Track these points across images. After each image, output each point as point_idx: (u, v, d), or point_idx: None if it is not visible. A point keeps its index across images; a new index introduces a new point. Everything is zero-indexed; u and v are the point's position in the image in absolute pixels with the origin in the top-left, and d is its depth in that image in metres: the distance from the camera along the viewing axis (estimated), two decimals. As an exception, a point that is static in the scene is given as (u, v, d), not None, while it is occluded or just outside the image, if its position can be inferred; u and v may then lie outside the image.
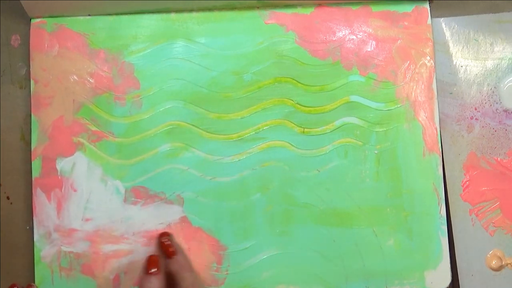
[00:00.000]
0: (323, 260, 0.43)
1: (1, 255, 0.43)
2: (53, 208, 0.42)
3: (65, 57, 0.43)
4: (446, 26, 0.44)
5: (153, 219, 0.43)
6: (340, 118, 0.43)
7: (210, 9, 0.44)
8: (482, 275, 0.43)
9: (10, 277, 0.43)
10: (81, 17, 0.44)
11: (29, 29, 0.44)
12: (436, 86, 0.43)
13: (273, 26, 0.44)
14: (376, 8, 0.44)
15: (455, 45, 0.44)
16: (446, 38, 0.44)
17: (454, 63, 0.44)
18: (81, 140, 0.43)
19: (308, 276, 0.42)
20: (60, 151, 0.43)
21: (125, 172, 0.43)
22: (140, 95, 0.43)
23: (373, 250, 0.43)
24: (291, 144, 0.43)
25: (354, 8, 0.44)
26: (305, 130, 0.43)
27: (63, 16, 0.44)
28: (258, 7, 0.44)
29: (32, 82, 0.43)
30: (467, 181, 0.43)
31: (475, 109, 0.44)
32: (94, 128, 0.43)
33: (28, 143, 0.43)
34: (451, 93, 0.44)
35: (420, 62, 0.43)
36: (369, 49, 0.44)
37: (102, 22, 0.44)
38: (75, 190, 0.43)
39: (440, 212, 0.43)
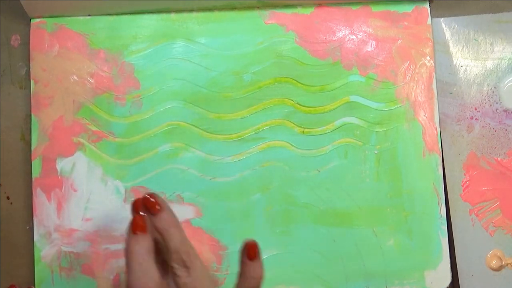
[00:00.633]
0: (323, 260, 0.43)
1: (1, 255, 0.43)
2: (53, 208, 0.42)
3: (65, 57, 0.43)
4: (446, 26, 0.44)
5: (153, 219, 0.43)
6: (340, 118, 0.43)
7: (210, 9, 0.44)
8: (482, 275, 0.43)
9: (10, 277, 0.43)
10: (81, 17, 0.44)
11: (29, 29, 0.44)
12: (436, 86, 0.43)
13: (273, 26, 0.44)
14: (376, 8, 0.44)
15: (455, 45, 0.44)
16: (446, 38, 0.44)
17: (454, 63, 0.44)
18: (81, 140, 0.43)
19: (308, 276, 0.42)
20: (60, 151, 0.43)
21: (125, 172, 0.43)
22: (140, 95, 0.43)
23: (373, 250, 0.43)
24: (291, 144, 0.43)
25: (354, 8, 0.44)
26: (305, 130, 0.43)
27: (63, 16, 0.44)
28: (258, 7, 0.44)
29: (32, 82, 0.43)
30: (467, 181, 0.43)
31: (475, 109, 0.44)
32: (94, 128, 0.43)
33: (28, 143, 0.43)
34: (451, 93, 0.44)
35: (420, 62, 0.43)
36: (369, 49, 0.44)
37: (102, 22, 0.44)
38: (75, 190, 0.43)
39: (440, 212, 0.43)
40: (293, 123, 0.43)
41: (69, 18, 0.44)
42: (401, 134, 0.43)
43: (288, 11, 0.44)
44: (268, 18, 0.44)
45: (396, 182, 0.43)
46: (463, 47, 0.44)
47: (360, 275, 0.42)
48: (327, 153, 0.43)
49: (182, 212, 0.43)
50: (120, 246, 0.42)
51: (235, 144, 0.43)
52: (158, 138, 0.43)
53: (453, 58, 0.44)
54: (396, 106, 0.43)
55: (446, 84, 0.44)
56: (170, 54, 0.44)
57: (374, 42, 0.44)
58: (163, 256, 0.33)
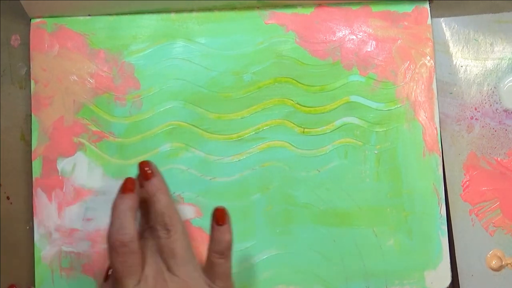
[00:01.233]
0: (323, 260, 0.43)
1: (1, 256, 0.43)
2: (53, 208, 0.43)
3: (65, 57, 0.43)
4: (446, 26, 0.44)
5: (153, 219, 0.43)
6: (340, 118, 0.43)
7: (210, 9, 0.44)
8: (482, 275, 0.43)
9: (10, 278, 0.43)
10: (81, 17, 0.44)
11: (29, 29, 0.44)
12: (436, 86, 0.43)
13: (273, 26, 0.44)
14: (376, 8, 0.44)
15: (455, 45, 0.44)
16: (446, 38, 0.44)
17: (454, 63, 0.44)
18: (82, 140, 0.43)
19: (308, 276, 0.42)
20: (60, 151, 0.43)
21: (125, 172, 0.43)
22: (140, 95, 0.43)
23: (373, 250, 0.43)
24: (291, 144, 0.43)
25: (354, 8, 0.44)
26: (305, 130, 0.43)
27: (63, 16, 0.44)
28: (258, 7, 0.44)
29: (32, 82, 0.43)
30: (467, 181, 0.43)
31: (475, 109, 0.44)
32: (94, 128, 0.43)
33: (28, 143, 0.43)
34: (451, 93, 0.44)
35: (420, 62, 0.43)
36: (369, 49, 0.44)
37: (102, 22, 0.44)
38: (76, 190, 0.43)
39: (440, 212, 0.43)
40: (293, 123, 0.43)
41: (69, 18, 0.44)
42: (401, 134, 0.43)
43: (288, 11, 0.44)
44: (268, 18, 0.44)
45: (396, 182, 0.43)
46: (463, 47, 0.44)
47: (360, 275, 0.42)
48: (327, 153, 0.43)
49: (182, 212, 0.43)
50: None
51: (235, 144, 0.43)
52: (158, 138, 0.43)
53: (453, 58, 0.44)
54: (396, 106, 0.43)
55: (446, 84, 0.44)
56: (170, 54, 0.44)
57: (374, 42, 0.44)
58: (149, 222, 0.37)
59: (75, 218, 0.43)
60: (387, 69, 0.44)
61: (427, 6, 0.44)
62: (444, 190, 0.43)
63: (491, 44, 0.44)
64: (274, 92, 0.43)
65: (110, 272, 0.37)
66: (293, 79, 0.43)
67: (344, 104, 0.43)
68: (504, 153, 0.44)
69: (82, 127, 0.43)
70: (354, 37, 0.44)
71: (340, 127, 0.43)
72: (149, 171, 0.37)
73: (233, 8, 0.44)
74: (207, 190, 0.43)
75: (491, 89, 0.44)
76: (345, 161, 0.43)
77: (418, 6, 0.44)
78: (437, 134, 0.43)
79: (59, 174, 0.43)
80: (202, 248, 0.43)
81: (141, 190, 0.37)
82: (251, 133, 0.43)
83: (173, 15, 0.44)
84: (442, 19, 0.44)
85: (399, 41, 0.44)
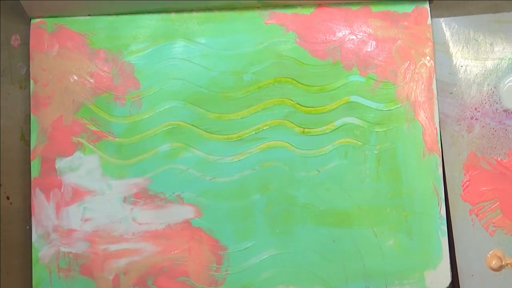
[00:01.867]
0: (323, 260, 0.42)
1: (1, 256, 0.43)
2: (52, 208, 0.42)
3: (65, 57, 0.43)
4: (446, 26, 0.44)
5: (153, 219, 0.43)
6: (340, 118, 0.43)
7: (210, 9, 0.44)
8: (482, 275, 0.43)
9: (10, 278, 0.43)
10: (81, 17, 0.44)
11: (29, 29, 0.44)
12: (436, 86, 0.44)
13: (273, 26, 0.44)
14: (376, 8, 0.44)
15: (455, 45, 0.44)
16: (446, 38, 0.44)
17: (454, 63, 0.44)
18: (81, 140, 0.43)
19: (308, 276, 0.42)
20: (59, 151, 0.43)
21: (124, 172, 0.43)
22: (140, 95, 0.43)
23: (373, 250, 0.42)
24: (291, 144, 0.43)
25: (354, 8, 0.44)
26: (305, 130, 0.43)
27: (63, 16, 0.44)
28: (258, 7, 0.44)
29: (32, 82, 0.43)
30: (467, 181, 0.43)
31: (475, 109, 0.44)
32: (93, 128, 0.43)
33: (28, 143, 0.43)
34: (451, 93, 0.44)
35: (420, 62, 0.44)
36: (369, 49, 0.44)
37: (102, 22, 0.44)
38: (74, 190, 0.43)
39: (440, 212, 0.43)
40: (293, 123, 0.43)
41: (69, 18, 0.44)
42: (401, 134, 0.43)
43: (288, 11, 0.44)
44: (268, 18, 0.44)
45: (396, 182, 0.43)
46: (463, 47, 0.44)
47: (360, 275, 0.42)
48: (327, 153, 0.43)
49: (182, 212, 0.43)
50: (120, 246, 0.42)
51: (235, 144, 0.43)
52: (158, 138, 0.43)
53: (453, 58, 0.44)
54: (396, 106, 0.43)
55: (446, 84, 0.44)
56: (170, 54, 0.44)
57: (374, 42, 0.44)
58: None
59: (73, 219, 0.42)
60: (387, 69, 0.44)
61: (427, 6, 0.44)
62: (444, 190, 0.43)
63: (491, 44, 0.44)
64: (274, 92, 0.43)
65: None
66: (293, 79, 0.43)
67: (344, 104, 0.43)
68: (504, 153, 0.44)
69: (81, 126, 0.43)
70: (354, 37, 0.44)
71: (340, 127, 0.43)
72: None
73: (233, 8, 0.44)
74: (207, 190, 0.43)
75: (491, 89, 0.44)
76: (345, 161, 0.43)
77: (418, 6, 0.44)
78: (437, 134, 0.43)
79: (58, 174, 0.43)
80: (202, 248, 0.42)
81: None
82: (251, 133, 0.43)
83: (173, 15, 0.44)
84: (442, 19, 0.44)
85: (399, 41, 0.44)
